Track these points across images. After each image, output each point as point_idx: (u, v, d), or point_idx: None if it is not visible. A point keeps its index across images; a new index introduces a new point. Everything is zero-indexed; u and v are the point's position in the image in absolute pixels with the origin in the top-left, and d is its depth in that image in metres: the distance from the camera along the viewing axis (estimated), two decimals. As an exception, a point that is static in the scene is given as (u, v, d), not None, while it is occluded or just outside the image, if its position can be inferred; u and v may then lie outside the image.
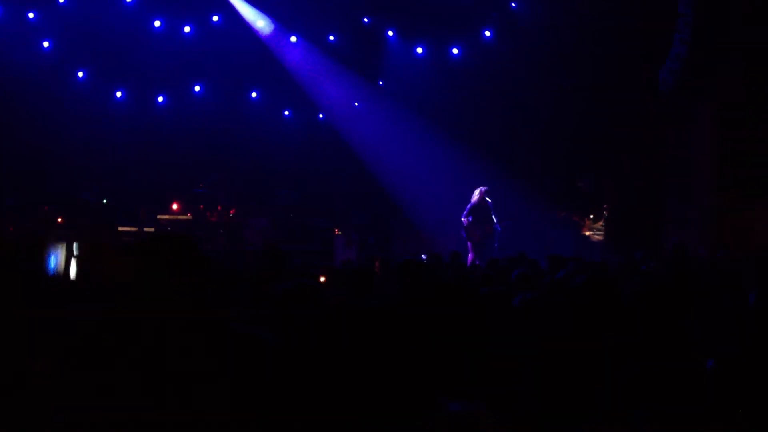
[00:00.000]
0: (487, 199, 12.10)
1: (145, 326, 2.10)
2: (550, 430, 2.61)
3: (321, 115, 15.72)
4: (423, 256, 11.53)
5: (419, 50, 15.14)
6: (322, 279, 6.01)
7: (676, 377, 2.76)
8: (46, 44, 14.11)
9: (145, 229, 13.07)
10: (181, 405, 2.03)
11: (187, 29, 14.71)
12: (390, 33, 15.18)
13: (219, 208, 13.73)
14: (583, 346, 3.21)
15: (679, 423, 2.18)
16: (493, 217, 12.01)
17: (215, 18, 14.76)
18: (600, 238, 12.37)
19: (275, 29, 14.81)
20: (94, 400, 2.01)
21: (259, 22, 14.78)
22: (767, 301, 3.82)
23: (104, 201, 13.97)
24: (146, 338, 2.08)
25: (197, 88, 15.14)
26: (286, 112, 15.79)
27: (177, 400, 2.03)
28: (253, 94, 15.49)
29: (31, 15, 14.01)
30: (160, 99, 15.10)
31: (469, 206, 12.17)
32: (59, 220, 13.46)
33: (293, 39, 15.00)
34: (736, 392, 2.14)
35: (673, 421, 2.20)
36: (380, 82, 15.62)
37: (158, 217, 13.63)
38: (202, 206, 13.72)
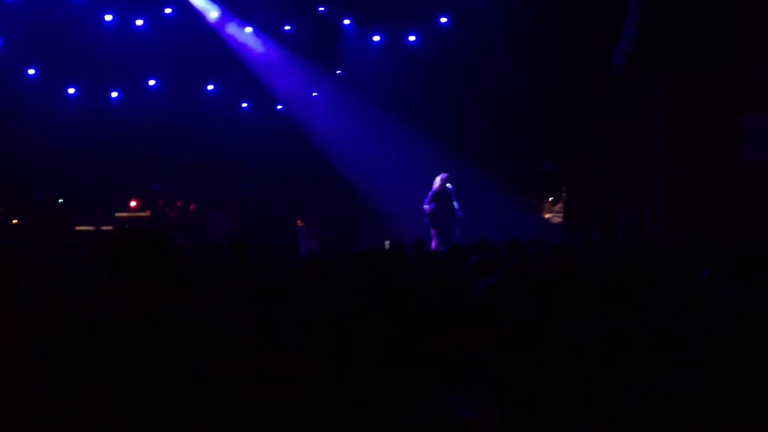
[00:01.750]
0: (448, 185, 12.19)
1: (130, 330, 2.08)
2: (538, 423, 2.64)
3: (279, 107, 15.63)
4: (386, 242, 11.60)
5: (376, 38, 15.13)
6: None
7: (647, 353, 2.83)
8: (-6, 41, 13.78)
9: (103, 228, 12.89)
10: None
11: (139, 22, 14.46)
12: (346, 22, 15.14)
13: (178, 203, 13.61)
14: (548, 329, 3.27)
15: (661, 398, 2.25)
16: (455, 203, 12.11)
17: (168, 10, 14.54)
18: (560, 220, 12.56)
19: (226, 17, 14.62)
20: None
21: (213, 13, 14.61)
22: (718, 277, 3.96)
23: (60, 200, 13.73)
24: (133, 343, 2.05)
25: (152, 83, 14.93)
26: (244, 104, 15.67)
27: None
28: (210, 87, 15.33)
29: (-23, 12, 13.66)
30: (114, 94, 14.87)
31: (430, 193, 12.25)
32: (14, 221, 13.20)
33: (248, 30, 14.86)
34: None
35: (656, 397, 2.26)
36: (338, 72, 15.58)
37: (116, 215, 13.44)
38: (161, 202, 13.57)
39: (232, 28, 14.75)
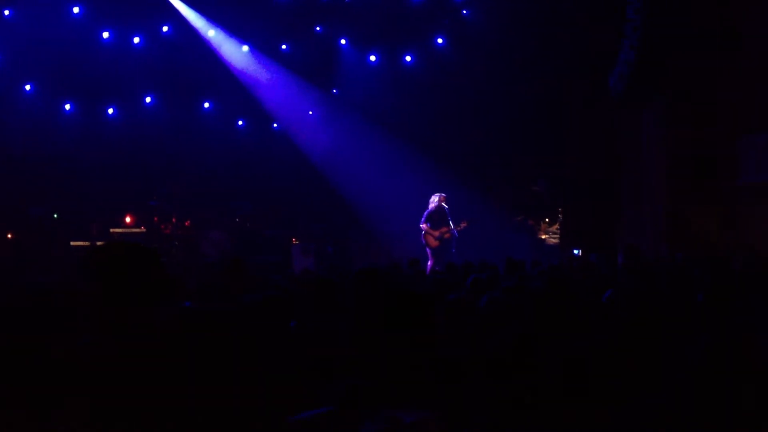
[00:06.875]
0: (444, 205, 12.18)
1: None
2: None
3: (275, 125, 15.64)
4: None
5: (372, 58, 15.21)
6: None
7: (640, 372, 2.81)
8: (-9, 57, 13.77)
9: (98, 244, 12.81)
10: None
11: (136, 40, 14.50)
12: (343, 41, 15.21)
13: (173, 220, 13.54)
14: (546, 345, 3.26)
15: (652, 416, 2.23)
16: (451, 222, 12.10)
17: (165, 28, 14.59)
18: (556, 241, 12.54)
19: (223, 35, 14.66)
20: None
21: (210, 31, 14.65)
22: (715, 300, 3.94)
23: (55, 216, 13.66)
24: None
25: (148, 99, 14.94)
26: (240, 122, 15.68)
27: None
28: (206, 105, 15.35)
29: (-26, 28, 13.67)
30: (111, 111, 14.86)
31: (426, 213, 12.24)
32: (9, 236, 13.12)
33: (245, 48, 14.91)
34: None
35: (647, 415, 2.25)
36: (334, 91, 15.62)
37: (111, 230, 13.36)
38: (156, 219, 13.51)
39: (228, 47, 14.78)
